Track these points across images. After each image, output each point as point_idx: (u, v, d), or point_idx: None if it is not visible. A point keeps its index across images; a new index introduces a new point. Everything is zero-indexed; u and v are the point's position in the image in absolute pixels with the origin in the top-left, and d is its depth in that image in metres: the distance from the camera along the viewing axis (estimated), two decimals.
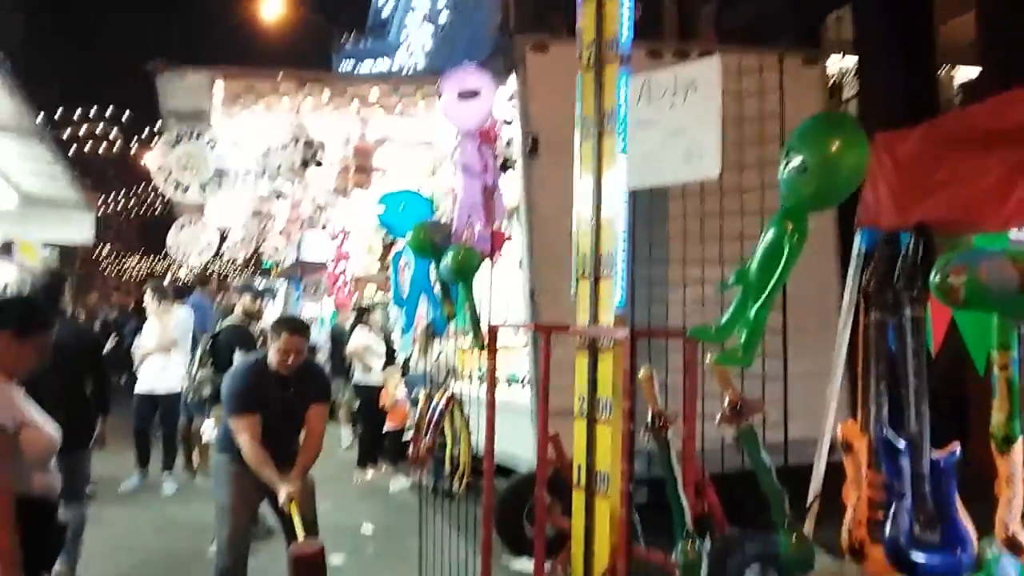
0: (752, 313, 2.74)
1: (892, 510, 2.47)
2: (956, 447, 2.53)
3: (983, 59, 8.56)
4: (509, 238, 5.16)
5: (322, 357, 11.84)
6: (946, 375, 3.05)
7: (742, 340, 2.75)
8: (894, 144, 2.68)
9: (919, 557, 2.44)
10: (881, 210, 2.68)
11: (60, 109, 16.72)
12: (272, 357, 4.48)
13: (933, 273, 2.25)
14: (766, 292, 2.73)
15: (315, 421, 4.61)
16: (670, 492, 3.11)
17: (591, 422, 3.74)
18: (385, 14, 45.28)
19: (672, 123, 3.24)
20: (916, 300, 2.49)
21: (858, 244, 2.82)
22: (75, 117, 17.47)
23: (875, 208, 2.71)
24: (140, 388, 8.18)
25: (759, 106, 3.04)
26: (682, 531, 3.09)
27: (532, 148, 6.09)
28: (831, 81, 10.83)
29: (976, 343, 2.62)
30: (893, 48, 9.14)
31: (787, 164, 2.70)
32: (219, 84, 7.07)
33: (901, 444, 2.49)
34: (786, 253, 2.71)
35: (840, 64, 10.94)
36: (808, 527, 2.82)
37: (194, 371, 6.89)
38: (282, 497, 4.30)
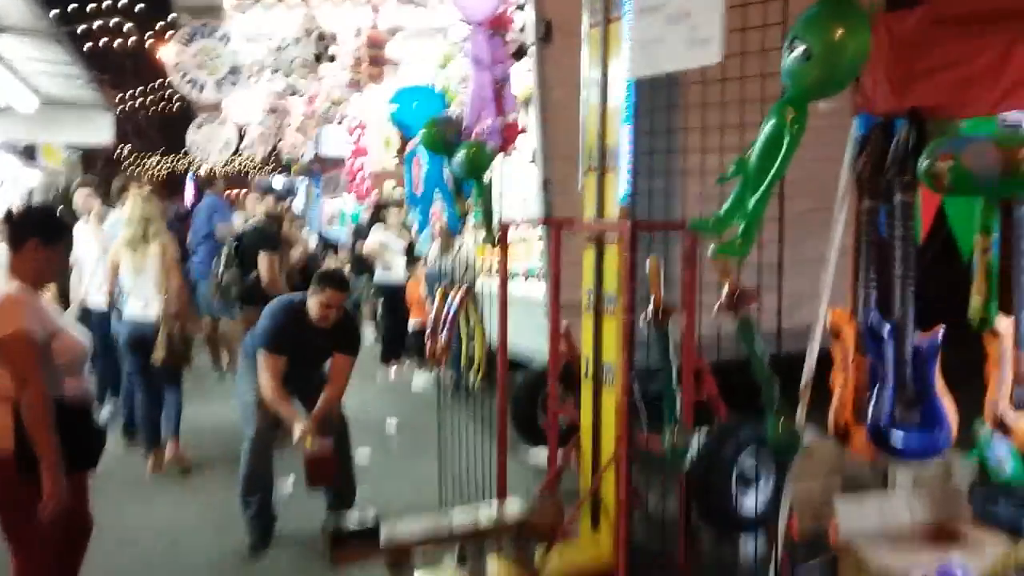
0: (751, 204, 2.73)
1: (874, 392, 2.53)
2: (939, 330, 2.56)
3: None
4: (523, 130, 5.09)
5: (344, 255, 11.93)
6: None
7: (740, 231, 2.76)
8: (893, 25, 2.59)
9: (898, 436, 2.51)
10: (877, 95, 2.63)
11: (72, 5, 16.31)
12: (312, 308, 4.51)
13: (921, 159, 2.23)
14: (765, 183, 2.72)
15: (341, 367, 4.65)
16: (665, 382, 3.19)
17: (598, 315, 3.80)
18: None
19: (675, 8, 3.14)
20: (906, 186, 2.48)
21: (854, 130, 2.77)
22: (87, 11, 17.01)
23: (872, 93, 2.65)
24: (89, 304, 6.71)
25: None
26: (672, 419, 3.19)
27: (545, 33, 5.93)
28: None
29: (963, 230, 2.61)
30: None
31: (790, 52, 2.64)
32: None
33: (886, 329, 2.53)
34: (786, 143, 2.67)
35: None
36: (801, 412, 2.89)
37: (220, 272, 7.01)
38: (297, 433, 4.30)
